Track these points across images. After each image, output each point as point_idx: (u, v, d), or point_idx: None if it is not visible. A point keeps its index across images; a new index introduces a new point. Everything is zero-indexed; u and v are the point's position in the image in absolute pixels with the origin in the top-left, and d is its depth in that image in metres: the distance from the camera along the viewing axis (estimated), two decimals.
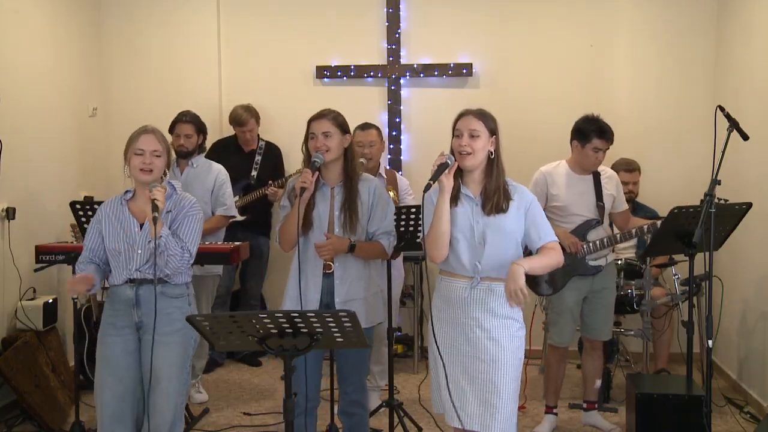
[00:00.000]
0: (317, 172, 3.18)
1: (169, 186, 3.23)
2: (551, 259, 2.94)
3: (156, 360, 3.12)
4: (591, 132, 4.06)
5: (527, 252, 3.04)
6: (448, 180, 2.87)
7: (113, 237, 3.16)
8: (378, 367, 4.62)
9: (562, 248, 4.03)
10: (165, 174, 3.22)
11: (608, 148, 4.14)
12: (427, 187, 2.84)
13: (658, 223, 4.07)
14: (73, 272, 3.26)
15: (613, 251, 4.31)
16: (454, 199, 2.93)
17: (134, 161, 3.13)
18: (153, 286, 3.11)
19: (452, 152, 2.92)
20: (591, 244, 4.08)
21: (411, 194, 4.75)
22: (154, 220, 2.97)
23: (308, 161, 3.23)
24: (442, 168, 2.85)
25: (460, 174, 2.95)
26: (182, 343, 3.19)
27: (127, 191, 3.23)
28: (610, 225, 4.28)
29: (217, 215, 4.72)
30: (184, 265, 3.12)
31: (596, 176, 4.16)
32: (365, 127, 4.58)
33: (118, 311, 3.18)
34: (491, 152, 2.93)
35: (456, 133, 2.94)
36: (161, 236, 3.03)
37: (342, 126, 3.27)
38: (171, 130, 4.71)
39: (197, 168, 4.73)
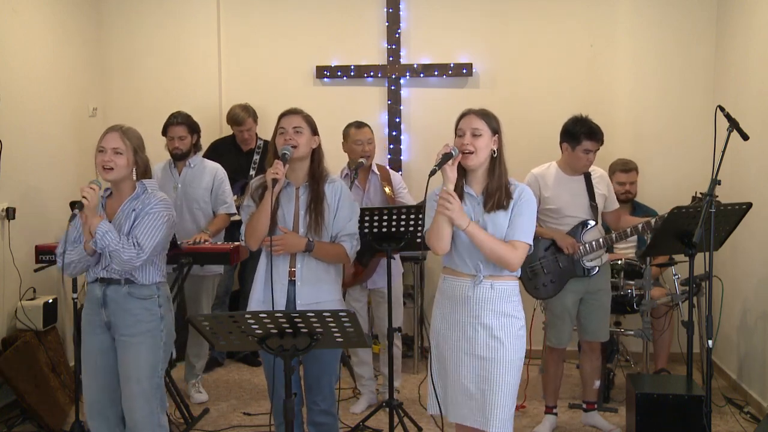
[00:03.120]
0: (287, 165, 3.11)
1: (140, 186, 3.21)
2: (503, 251, 2.84)
3: (124, 360, 3.13)
4: (581, 134, 4.03)
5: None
6: (452, 171, 2.87)
7: (82, 235, 3.17)
8: (386, 369, 4.61)
9: (559, 250, 4.07)
10: (134, 173, 3.18)
11: (598, 149, 4.13)
12: (432, 173, 2.83)
13: (652, 220, 4.08)
14: (60, 265, 3.25)
15: (608, 252, 4.30)
16: (458, 197, 2.94)
17: (97, 159, 3.15)
18: (120, 286, 3.14)
19: None
20: (587, 245, 4.08)
21: (405, 188, 4.72)
22: (71, 217, 2.99)
23: (275, 157, 3.16)
24: (446, 157, 2.85)
25: (463, 173, 2.96)
26: (151, 345, 3.17)
27: (106, 189, 3.24)
28: (603, 226, 4.27)
29: (220, 214, 4.73)
30: (131, 261, 3.05)
31: (587, 177, 4.15)
32: (360, 125, 4.57)
33: (92, 310, 3.19)
34: (494, 151, 2.94)
35: (458, 133, 2.94)
36: (96, 232, 3.00)
37: (312, 126, 3.23)
38: (164, 132, 4.71)
39: (195, 168, 4.73)
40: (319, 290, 3.20)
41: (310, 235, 3.17)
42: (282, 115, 3.23)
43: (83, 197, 3.01)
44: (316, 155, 3.25)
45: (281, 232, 3.14)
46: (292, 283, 3.19)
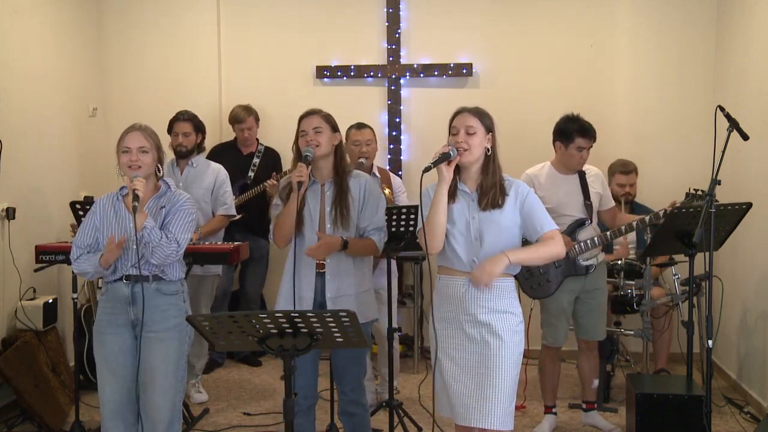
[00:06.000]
0: (310, 166, 3.20)
1: (164, 184, 3.27)
2: (548, 249, 2.92)
3: (152, 357, 3.15)
4: (573, 132, 4.05)
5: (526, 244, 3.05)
6: (448, 172, 2.89)
7: (108, 233, 3.19)
8: (386, 370, 4.61)
9: None
10: (159, 170, 3.23)
11: (591, 146, 4.13)
12: (427, 169, 2.85)
13: (647, 217, 4.08)
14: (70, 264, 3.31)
15: (606, 252, 4.30)
16: (452, 195, 2.95)
17: (122, 159, 3.18)
18: (149, 283, 3.17)
19: None
20: (582, 244, 4.08)
21: (404, 192, 4.78)
22: (134, 209, 3.01)
23: (299, 159, 3.26)
24: (444, 157, 2.87)
25: (457, 170, 2.97)
26: (178, 340, 3.21)
27: (122, 188, 3.25)
28: (599, 224, 4.28)
29: (218, 215, 4.72)
30: (171, 256, 3.12)
31: (581, 175, 4.16)
32: (361, 126, 4.59)
33: (115, 308, 3.19)
34: (488, 149, 2.95)
35: (452, 131, 2.96)
36: (145, 227, 3.05)
37: (332, 124, 3.32)
38: (169, 129, 4.71)
39: (197, 168, 4.73)
40: (347, 284, 3.29)
41: (337, 230, 3.26)
42: (302, 118, 3.32)
43: (136, 190, 3.04)
44: (339, 151, 3.34)
45: (316, 238, 3.21)
46: (320, 275, 3.26)
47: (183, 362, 3.26)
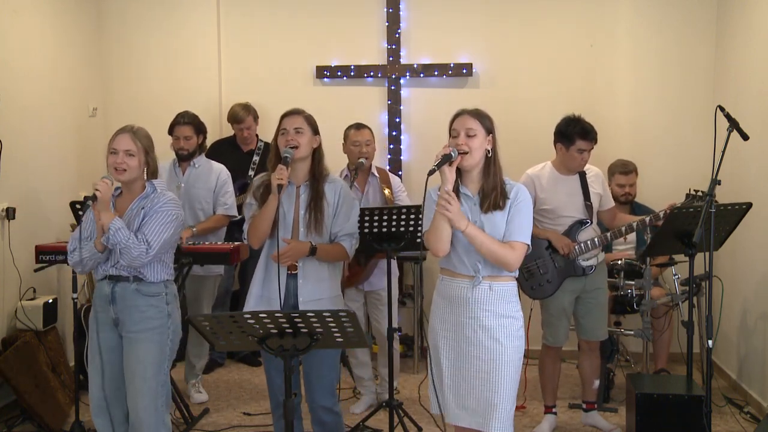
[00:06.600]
0: (289, 168, 3.16)
1: (149, 186, 3.24)
2: (502, 252, 2.84)
3: (130, 357, 3.15)
4: (574, 134, 4.04)
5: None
6: (450, 173, 2.88)
7: (94, 232, 3.19)
8: (386, 370, 4.61)
9: (555, 250, 4.07)
10: (144, 172, 3.20)
11: (592, 148, 4.13)
12: (431, 172, 2.84)
13: (647, 218, 4.08)
14: (71, 262, 3.28)
15: (606, 252, 4.30)
16: None
17: (109, 160, 3.17)
18: (129, 283, 3.16)
19: None
20: (582, 245, 4.08)
21: (404, 191, 4.77)
22: (86, 207, 3.00)
23: (277, 157, 3.23)
24: (446, 158, 2.86)
25: (458, 173, 2.97)
26: (158, 342, 3.19)
27: (117, 188, 3.26)
28: (599, 224, 4.28)
29: (217, 214, 4.72)
30: (140, 257, 3.08)
31: (582, 176, 4.16)
32: (360, 126, 4.58)
33: (101, 307, 3.21)
34: (488, 151, 2.95)
35: (453, 133, 2.95)
36: (110, 227, 3.03)
37: (313, 126, 3.28)
38: (170, 132, 4.71)
39: (199, 168, 4.73)
40: (320, 288, 3.26)
41: (310, 234, 3.22)
42: (284, 116, 3.28)
43: (96, 190, 3.02)
44: (317, 155, 3.31)
45: (283, 243, 3.18)
46: (292, 276, 3.23)
47: (165, 366, 3.23)
